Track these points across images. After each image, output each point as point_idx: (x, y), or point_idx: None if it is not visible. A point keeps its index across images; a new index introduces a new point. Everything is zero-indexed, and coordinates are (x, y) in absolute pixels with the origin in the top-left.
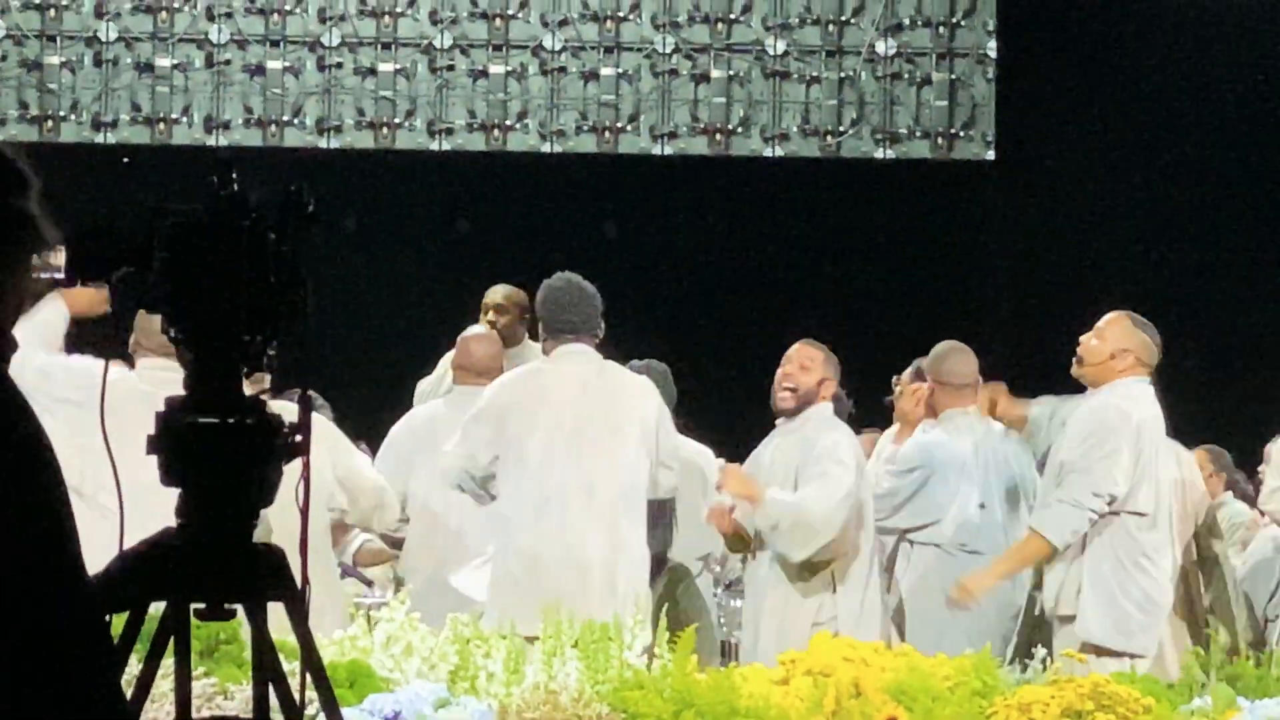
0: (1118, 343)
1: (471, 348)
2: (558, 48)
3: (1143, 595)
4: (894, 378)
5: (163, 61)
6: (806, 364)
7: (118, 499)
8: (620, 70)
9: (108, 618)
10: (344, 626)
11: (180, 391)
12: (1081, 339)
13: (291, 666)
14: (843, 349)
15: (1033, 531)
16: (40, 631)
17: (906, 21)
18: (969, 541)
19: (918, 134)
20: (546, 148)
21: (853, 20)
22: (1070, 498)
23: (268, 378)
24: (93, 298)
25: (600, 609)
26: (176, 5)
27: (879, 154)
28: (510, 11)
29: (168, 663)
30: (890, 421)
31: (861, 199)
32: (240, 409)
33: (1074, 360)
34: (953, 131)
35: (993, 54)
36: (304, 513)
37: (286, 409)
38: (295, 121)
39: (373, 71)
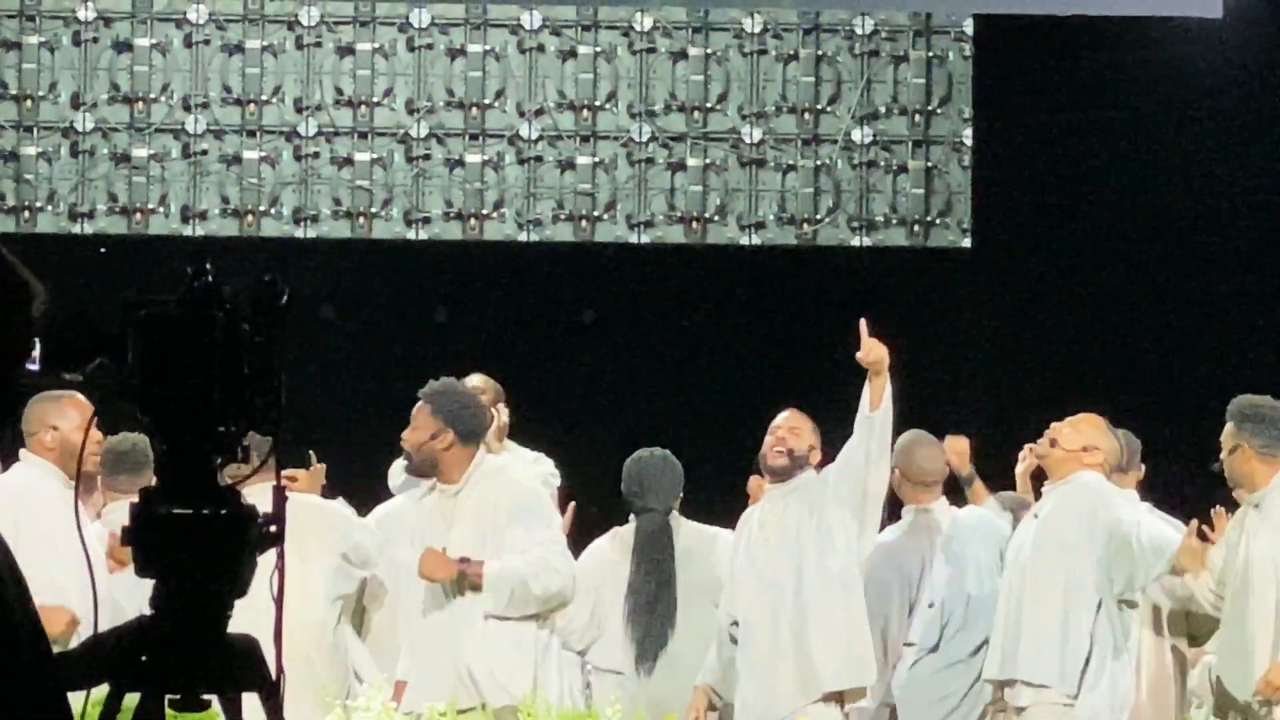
0: (1089, 439)
1: None
2: (534, 137)
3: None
4: None
5: (139, 152)
6: (797, 429)
7: (92, 592)
8: (597, 159)
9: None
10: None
11: None
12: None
13: None
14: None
15: None
16: None
17: (882, 109)
18: (918, 640)
19: (894, 221)
20: (523, 236)
21: (828, 108)
22: None
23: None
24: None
25: None
26: (153, 95)
27: (855, 242)
28: (486, 101)
29: None
30: None
31: (838, 286)
32: (214, 500)
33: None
34: (928, 219)
35: (968, 141)
36: (278, 603)
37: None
38: (272, 211)
39: (349, 161)
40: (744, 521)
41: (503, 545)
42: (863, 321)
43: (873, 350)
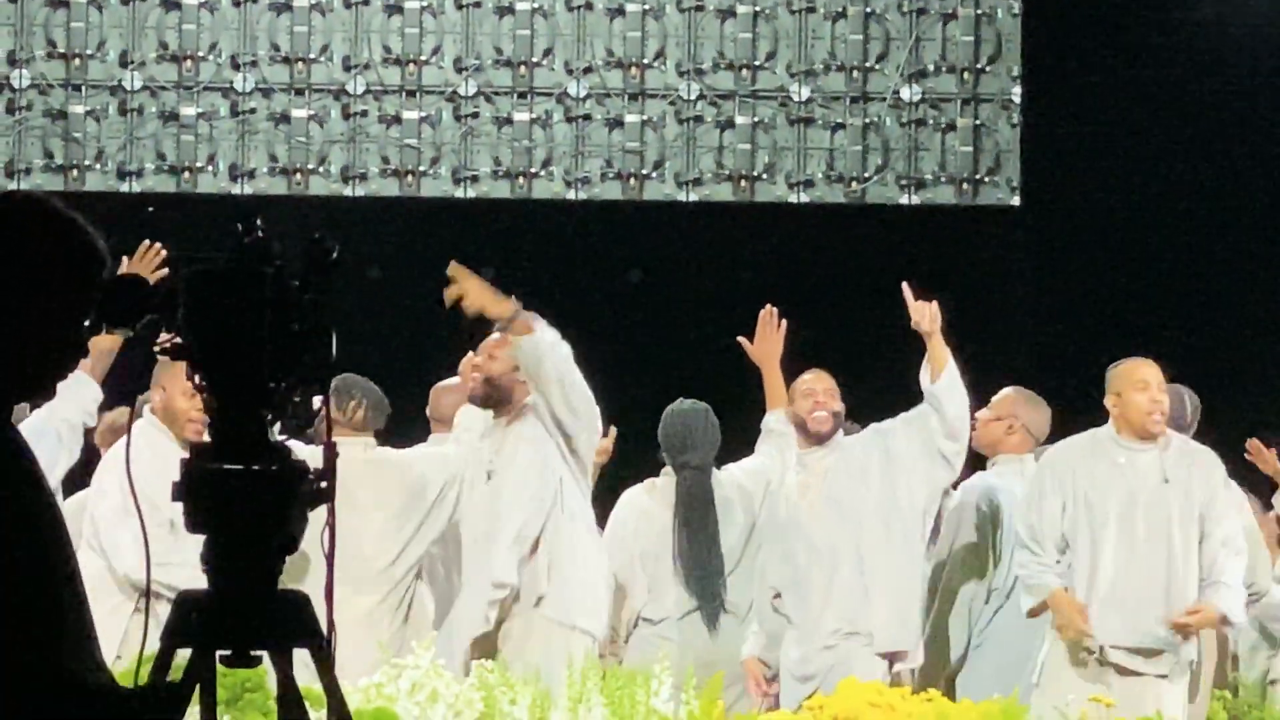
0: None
1: (442, 399)
2: (582, 95)
3: None
4: None
5: (188, 110)
6: (832, 390)
7: (144, 545)
8: (645, 117)
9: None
10: (369, 673)
11: None
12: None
13: (318, 714)
14: (867, 393)
15: None
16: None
17: (931, 67)
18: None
19: (942, 180)
20: (571, 195)
21: (877, 66)
22: None
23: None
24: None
25: None
26: (201, 54)
27: (904, 200)
28: (535, 59)
29: (193, 711)
30: None
31: (886, 245)
32: (265, 456)
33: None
34: (977, 177)
35: (1017, 99)
36: (329, 559)
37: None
38: (320, 170)
39: (398, 119)
40: (773, 494)
41: None
42: (905, 286)
43: (924, 313)
